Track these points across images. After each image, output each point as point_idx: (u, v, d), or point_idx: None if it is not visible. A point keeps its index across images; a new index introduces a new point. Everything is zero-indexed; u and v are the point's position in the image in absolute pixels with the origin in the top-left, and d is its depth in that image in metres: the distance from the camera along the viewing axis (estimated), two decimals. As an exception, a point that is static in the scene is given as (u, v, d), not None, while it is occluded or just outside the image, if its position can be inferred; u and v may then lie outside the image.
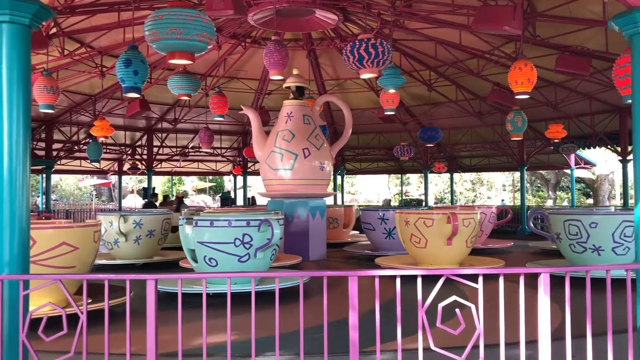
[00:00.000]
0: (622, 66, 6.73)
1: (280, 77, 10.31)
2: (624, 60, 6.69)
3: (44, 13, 3.49)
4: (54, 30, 10.96)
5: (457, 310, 2.99)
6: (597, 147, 18.07)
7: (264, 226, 6.20)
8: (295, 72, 10.35)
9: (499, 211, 13.02)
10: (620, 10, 3.72)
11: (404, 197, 36.41)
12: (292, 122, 9.76)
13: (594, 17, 9.40)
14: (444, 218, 8.23)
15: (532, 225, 9.74)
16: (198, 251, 6.36)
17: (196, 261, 6.45)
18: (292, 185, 9.79)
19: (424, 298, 3.02)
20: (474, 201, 41.25)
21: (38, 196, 24.27)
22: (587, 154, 21.00)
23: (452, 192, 24.93)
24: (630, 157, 14.89)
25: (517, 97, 9.58)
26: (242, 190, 24.37)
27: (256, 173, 21.83)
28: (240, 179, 24.71)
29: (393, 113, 12.44)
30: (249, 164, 22.60)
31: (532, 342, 3.32)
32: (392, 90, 10.47)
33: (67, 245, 5.27)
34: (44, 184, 19.47)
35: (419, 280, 3.05)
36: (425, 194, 23.26)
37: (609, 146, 16.80)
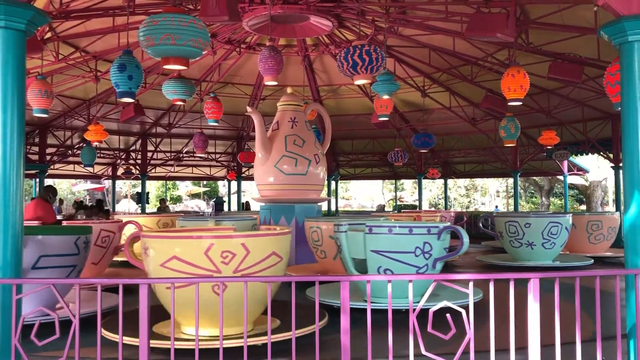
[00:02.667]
0: (613, 74, 6.78)
1: (275, 83, 10.35)
2: (614, 68, 6.75)
3: (40, 18, 3.51)
4: (48, 34, 10.96)
5: (447, 315, 3.02)
6: (589, 153, 18.20)
7: (445, 234, 5.74)
8: (289, 90, 10.43)
9: (456, 215, 14.80)
10: (610, 18, 3.78)
11: (398, 203, 36.48)
12: (297, 127, 9.75)
13: (586, 25, 9.50)
14: (409, 219, 10.04)
15: (481, 225, 11.08)
16: (371, 261, 5.81)
17: (362, 272, 5.90)
18: (304, 190, 9.82)
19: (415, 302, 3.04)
20: (467, 207, 41.36)
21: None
22: (580, 160, 21.14)
23: (446, 197, 25.01)
24: (622, 163, 15.00)
25: (509, 103, 9.66)
26: (236, 195, 24.34)
27: (250, 178, 21.83)
28: (234, 184, 24.70)
29: (387, 119, 12.49)
30: (243, 169, 22.60)
31: (522, 348, 3.35)
32: (386, 96, 10.53)
33: (276, 256, 4.51)
34: (37, 189, 19.40)
35: (410, 285, 3.08)
36: (419, 199, 23.33)
37: (601, 153, 16.91)
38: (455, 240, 5.99)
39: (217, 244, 4.18)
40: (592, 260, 9.76)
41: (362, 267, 5.96)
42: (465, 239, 5.55)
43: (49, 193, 7.74)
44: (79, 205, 17.45)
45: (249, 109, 9.56)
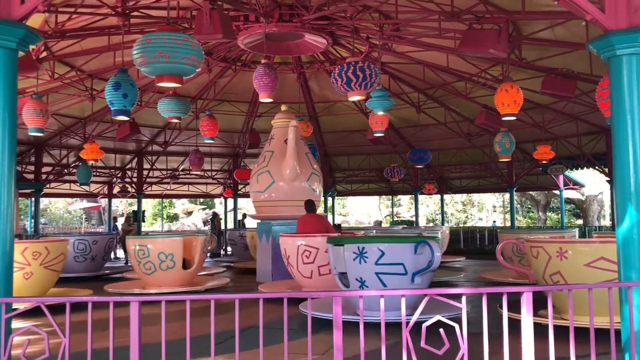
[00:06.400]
0: (604, 88, 6.82)
1: (270, 100, 10.39)
2: (606, 82, 6.78)
3: (32, 37, 3.53)
4: (44, 53, 11.00)
5: (440, 330, 3.00)
6: (585, 168, 18.26)
7: None
8: (283, 108, 10.52)
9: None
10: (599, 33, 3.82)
11: (395, 219, 36.45)
12: (305, 145, 9.90)
13: (578, 40, 9.58)
14: None
15: None
16: None
17: None
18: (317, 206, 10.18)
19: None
20: (465, 222, 41.33)
21: (27, 220, 24.17)
22: (575, 175, 21.19)
23: (442, 213, 24.98)
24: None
25: (504, 118, 9.70)
26: (232, 212, 24.28)
27: (246, 195, 21.80)
28: (230, 201, 24.66)
29: (382, 135, 12.53)
30: (240, 186, 22.58)
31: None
32: (380, 112, 10.55)
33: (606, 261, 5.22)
34: (33, 208, 19.34)
35: (403, 300, 3.06)
36: (416, 215, 23.34)
37: (596, 167, 16.96)
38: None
39: None
40: None
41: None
42: None
43: (314, 207, 9.09)
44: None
45: (293, 122, 9.72)
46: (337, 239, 6.48)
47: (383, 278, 5.75)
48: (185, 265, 8.96)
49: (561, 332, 3.74)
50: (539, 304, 5.52)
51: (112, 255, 17.28)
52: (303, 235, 7.83)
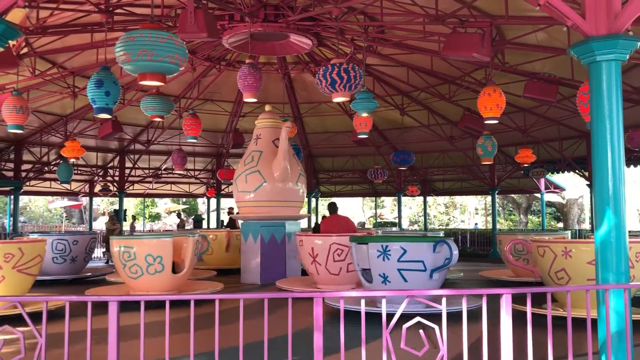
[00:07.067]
0: (585, 93, 6.92)
1: (254, 100, 10.34)
2: (587, 88, 6.88)
3: (11, 33, 3.48)
4: (25, 49, 10.85)
5: (420, 331, 3.01)
6: (565, 171, 18.48)
7: None
8: (267, 108, 10.51)
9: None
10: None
11: (378, 220, 36.56)
12: (290, 147, 9.93)
13: (560, 46, 9.69)
14: None
15: None
16: None
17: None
18: (299, 207, 10.21)
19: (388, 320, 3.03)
20: (447, 224, 41.60)
21: (5, 218, 23.84)
22: (556, 178, 21.43)
23: (425, 215, 25.14)
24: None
25: (486, 122, 9.77)
26: (215, 212, 24.16)
27: (229, 195, 21.71)
28: (213, 201, 24.54)
29: (366, 137, 12.55)
30: (223, 186, 22.48)
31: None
32: (364, 114, 10.56)
33: None
34: (12, 206, 19.07)
35: (384, 301, 3.07)
36: (399, 216, 23.44)
37: (577, 171, 17.17)
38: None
39: (634, 248, 5.75)
40: None
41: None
42: None
43: (337, 208, 9.49)
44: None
45: (288, 123, 9.74)
46: (361, 237, 6.95)
47: (404, 274, 6.17)
48: (175, 269, 8.03)
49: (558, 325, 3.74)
50: (541, 298, 5.92)
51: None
52: (337, 235, 8.23)
